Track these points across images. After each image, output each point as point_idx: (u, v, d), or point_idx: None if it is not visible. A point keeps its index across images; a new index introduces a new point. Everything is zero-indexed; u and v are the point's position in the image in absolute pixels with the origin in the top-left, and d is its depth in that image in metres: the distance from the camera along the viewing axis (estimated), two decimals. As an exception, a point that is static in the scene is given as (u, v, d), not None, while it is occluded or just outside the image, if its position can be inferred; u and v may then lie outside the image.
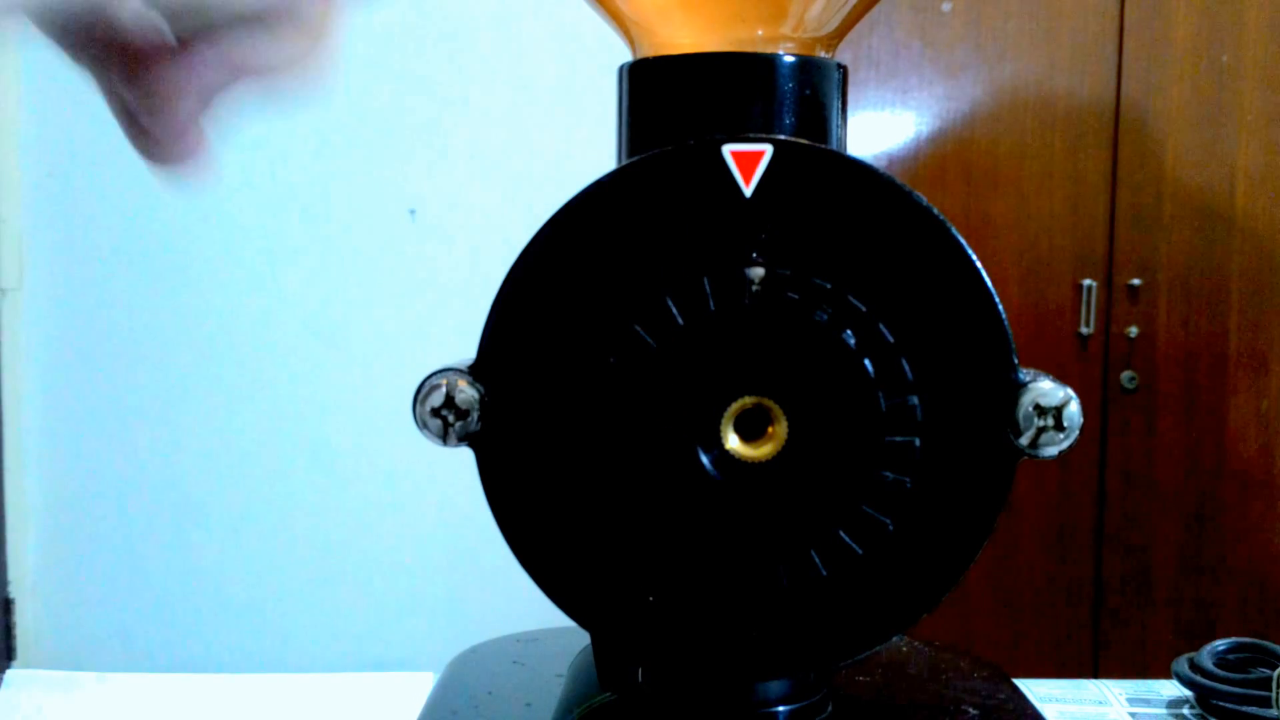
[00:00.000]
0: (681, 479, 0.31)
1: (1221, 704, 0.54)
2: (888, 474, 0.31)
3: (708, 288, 0.31)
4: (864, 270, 0.31)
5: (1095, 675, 1.40)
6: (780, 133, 0.34)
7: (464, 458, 0.32)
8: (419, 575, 1.44)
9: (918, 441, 0.31)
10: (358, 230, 1.41)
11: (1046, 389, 0.31)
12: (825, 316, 0.31)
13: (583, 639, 0.44)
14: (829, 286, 0.31)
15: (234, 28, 0.25)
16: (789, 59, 0.34)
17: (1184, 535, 1.46)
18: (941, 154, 1.44)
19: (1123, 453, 1.45)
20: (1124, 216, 1.43)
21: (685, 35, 0.37)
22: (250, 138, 1.39)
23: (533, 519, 0.32)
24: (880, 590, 0.32)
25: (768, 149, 0.31)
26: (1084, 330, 1.44)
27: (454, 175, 1.41)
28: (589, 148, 1.34)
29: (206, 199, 1.39)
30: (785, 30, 0.36)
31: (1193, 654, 0.57)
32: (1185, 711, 0.56)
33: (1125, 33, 1.42)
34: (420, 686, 0.50)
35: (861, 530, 0.31)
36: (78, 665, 1.41)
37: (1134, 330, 1.44)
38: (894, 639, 0.33)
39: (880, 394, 0.31)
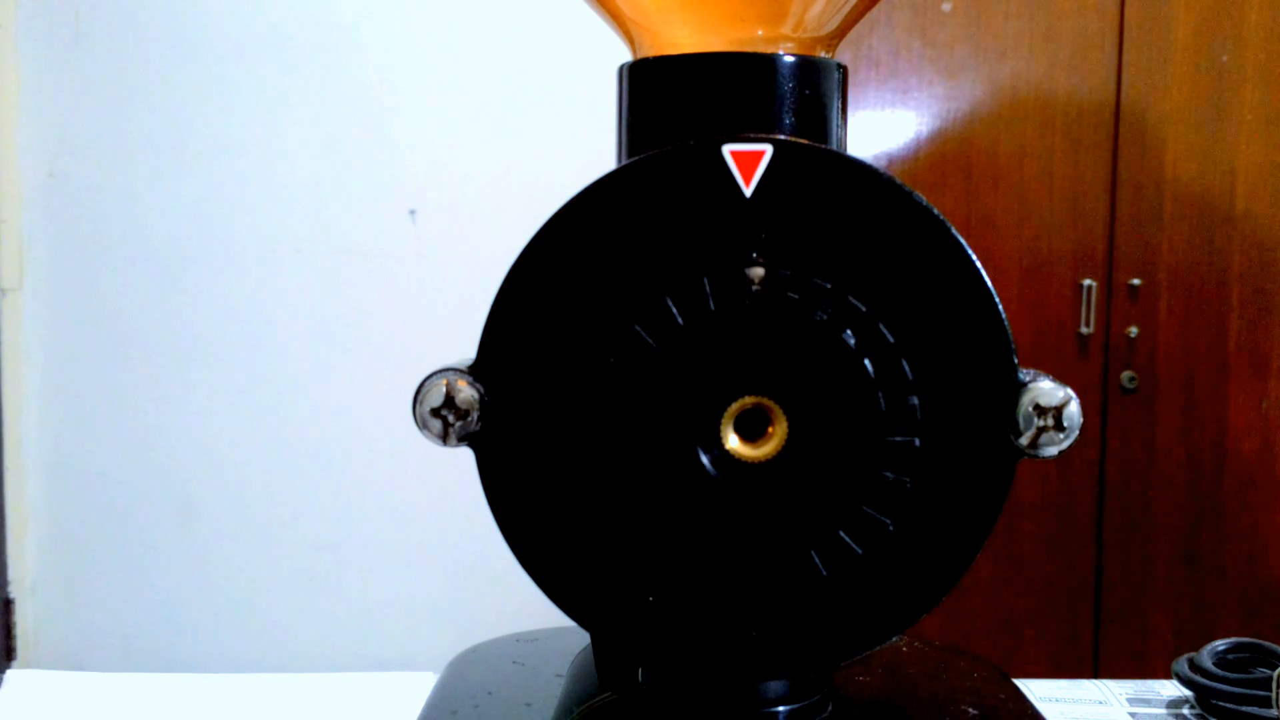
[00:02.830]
0: (681, 479, 0.31)
1: (1221, 704, 0.54)
2: (888, 474, 0.31)
3: (708, 288, 0.31)
4: (864, 270, 0.31)
5: (1095, 675, 1.40)
6: (780, 133, 0.34)
7: (464, 458, 0.32)
8: (419, 575, 1.44)
9: (918, 441, 0.31)
10: (358, 230, 1.41)
11: (1046, 389, 0.31)
12: (825, 316, 0.31)
13: (583, 639, 0.44)
14: (829, 286, 0.31)
15: None
16: (789, 59, 0.34)
17: (1184, 535, 1.46)
18: (941, 154, 1.44)
19: (1123, 453, 1.45)
20: (1124, 216, 1.43)
21: (685, 35, 0.37)
22: (250, 137, 1.39)
23: (533, 519, 0.32)
24: (880, 590, 0.32)
25: (768, 149, 0.31)
26: (1084, 330, 1.44)
27: (454, 175, 1.41)
28: (589, 148, 1.34)
29: (206, 199, 1.39)
30: (785, 30, 0.36)
31: (1193, 654, 0.57)
32: (1185, 711, 0.56)
33: (1125, 33, 1.42)
34: (420, 686, 0.50)
35: (861, 530, 0.31)
36: (78, 665, 1.41)
37: (1134, 330, 1.43)
38: (894, 639, 0.33)
39: (880, 394, 0.31)
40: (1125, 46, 1.42)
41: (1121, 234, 1.44)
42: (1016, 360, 0.31)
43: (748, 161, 0.31)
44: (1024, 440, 0.31)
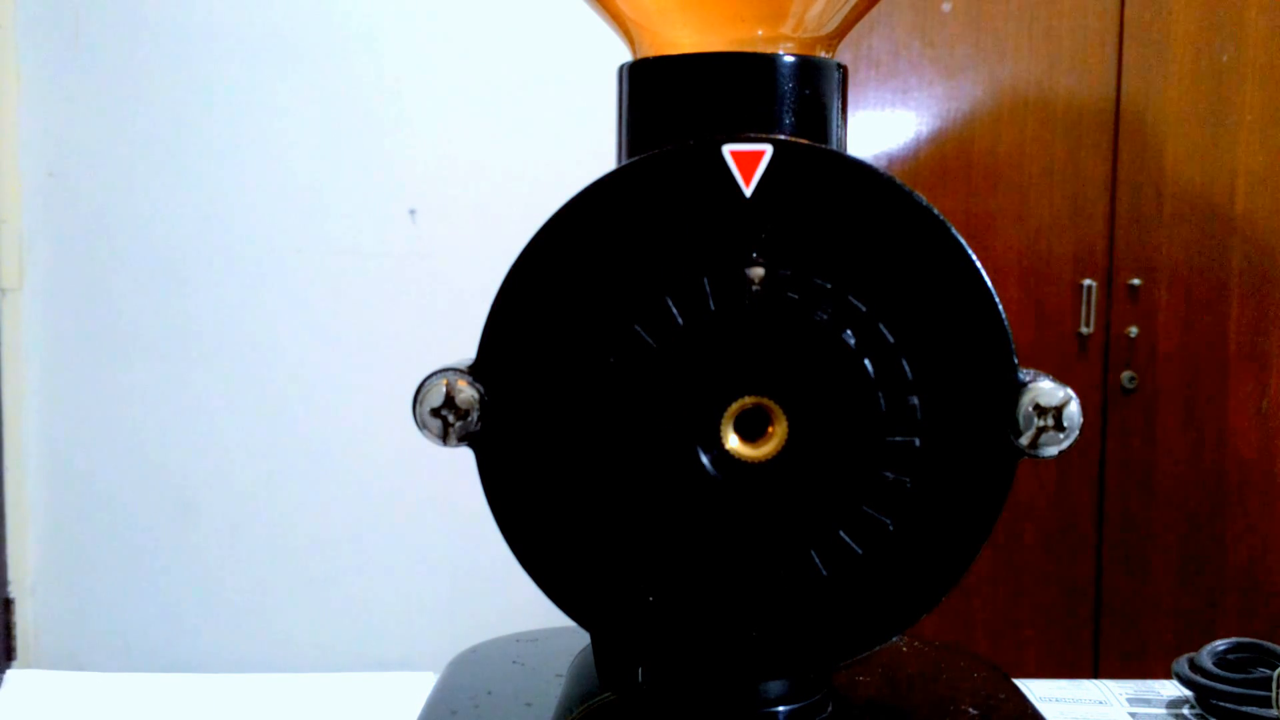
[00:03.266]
0: (681, 479, 0.31)
1: (1221, 704, 0.54)
2: (888, 474, 0.31)
3: (708, 288, 0.31)
4: (864, 270, 0.31)
5: (1095, 675, 1.40)
6: (780, 133, 0.34)
7: (464, 458, 0.32)
8: (419, 575, 1.44)
9: (918, 441, 0.31)
10: (358, 230, 1.41)
11: (1046, 389, 0.31)
12: (825, 316, 0.31)
13: (583, 639, 0.44)
14: (829, 286, 0.31)
15: None
16: (789, 59, 0.34)
17: (1184, 535, 1.46)
18: (941, 154, 1.44)
19: (1123, 453, 1.45)
20: (1124, 216, 1.43)
21: (685, 35, 0.37)
22: (250, 137, 1.39)
23: (533, 519, 0.32)
24: (880, 590, 0.32)
25: (768, 149, 0.31)
26: (1084, 330, 1.43)
27: (454, 175, 1.41)
28: (589, 148, 1.34)
29: (207, 199, 1.39)
30: (785, 30, 0.36)
31: (1193, 654, 0.57)
32: (1185, 711, 0.56)
33: (1125, 33, 1.42)
34: (420, 686, 0.50)
35: (861, 530, 0.31)
36: (78, 665, 1.41)
37: (1134, 330, 1.43)
38: (894, 639, 0.33)
39: (880, 394, 0.31)
40: (1125, 46, 1.42)
41: (1121, 234, 1.43)
42: (1016, 360, 0.31)
43: (748, 161, 0.31)
44: (1024, 440, 0.31)
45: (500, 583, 1.24)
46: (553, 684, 0.42)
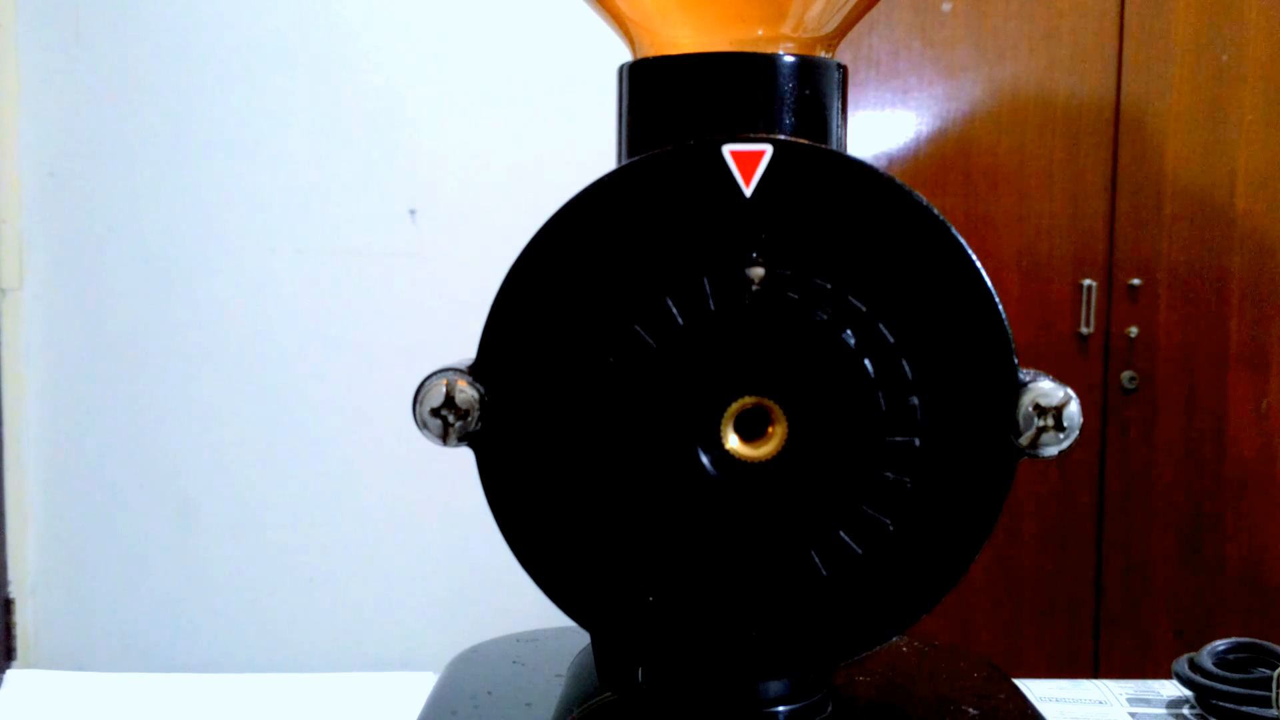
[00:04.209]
0: (681, 479, 0.31)
1: (1221, 704, 0.54)
2: (888, 474, 0.31)
3: (708, 288, 0.31)
4: (864, 270, 0.31)
5: (1095, 675, 1.40)
6: (780, 133, 0.34)
7: (464, 458, 0.32)
8: (419, 575, 1.44)
9: (918, 441, 0.31)
10: (358, 230, 1.41)
11: (1046, 389, 0.31)
12: (825, 316, 0.31)
13: (583, 639, 0.44)
14: (829, 286, 0.31)
15: None
16: (789, 59, 0.34)
17: (1184, 535, 1.46)
18: (941, 154, 1.44)
19: (1123, 453, 1.45)
20: (1124, 216, 1.43)
21: (685, 35, 0.37)
22: (250, 137, 1.39)
23: (533, 519, 0.32)
24: (880, 590, 0.32)
25: (768, 149, 0.31)
26: (1084, 330, 1.43)
27: (454, 175, 1.41)
28: (589, 148, 1.34)
29: (207, 199, 1.39)
30: (785, 30, 0.36)
31: (1193, 654, 0.57)
32: (1185, 711, 0.56)
33: (1125, 33, 1.42)
34: (420, 686, 0.50)
35: (861, 530, 0.31)
36: (78, 665, 1.41)
37: (1134, 330, 1.43)
38: (894, 639, 0.33)
39: (880, 394, 0.31)
40: (1125, 46, 1.42)
41: (1121, 234, 1.44)
42: (1016, 360, 0.31)
43: (748, 161, 0.31)
44: (1024, 440, 0.31)
45: (500, 583, 1.24)
46: (553, 684, 0.42)
